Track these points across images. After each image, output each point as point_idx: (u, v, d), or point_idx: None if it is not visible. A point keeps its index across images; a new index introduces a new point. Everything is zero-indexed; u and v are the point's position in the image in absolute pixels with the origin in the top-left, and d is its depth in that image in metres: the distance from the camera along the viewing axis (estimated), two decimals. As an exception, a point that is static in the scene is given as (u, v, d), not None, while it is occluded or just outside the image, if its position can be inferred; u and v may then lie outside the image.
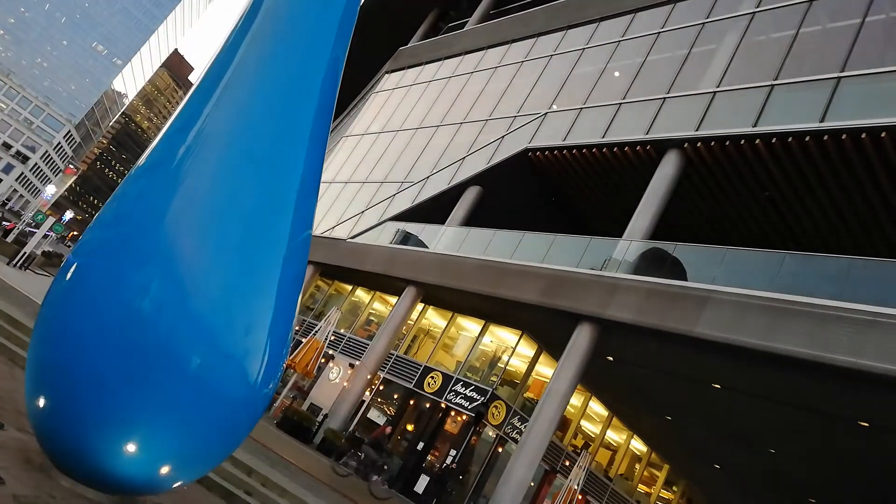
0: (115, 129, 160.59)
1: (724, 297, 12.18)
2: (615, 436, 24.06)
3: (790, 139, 13.72)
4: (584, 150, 18.31)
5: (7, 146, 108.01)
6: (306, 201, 5.35)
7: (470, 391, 18.29)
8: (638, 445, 24.70)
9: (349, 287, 25.84)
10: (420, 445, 18.49)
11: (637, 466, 25.11)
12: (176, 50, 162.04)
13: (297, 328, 24.60)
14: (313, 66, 5.51)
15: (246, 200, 4.99)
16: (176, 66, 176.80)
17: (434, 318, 22.20)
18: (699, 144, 15.54)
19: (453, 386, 18.73)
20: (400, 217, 23.02)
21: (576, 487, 16.40)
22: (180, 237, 4.70)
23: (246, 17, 5.28)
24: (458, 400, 18.35)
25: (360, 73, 36.44)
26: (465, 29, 29.45)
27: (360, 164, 28.39)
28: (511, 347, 19.06)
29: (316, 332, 20.15)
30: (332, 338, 21.27)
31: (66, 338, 4.50)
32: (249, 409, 4.96)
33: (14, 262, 23.74)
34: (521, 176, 20.78)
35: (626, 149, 17.19)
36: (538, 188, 20.96)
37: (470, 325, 20.83)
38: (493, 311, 18.74)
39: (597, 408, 22.54)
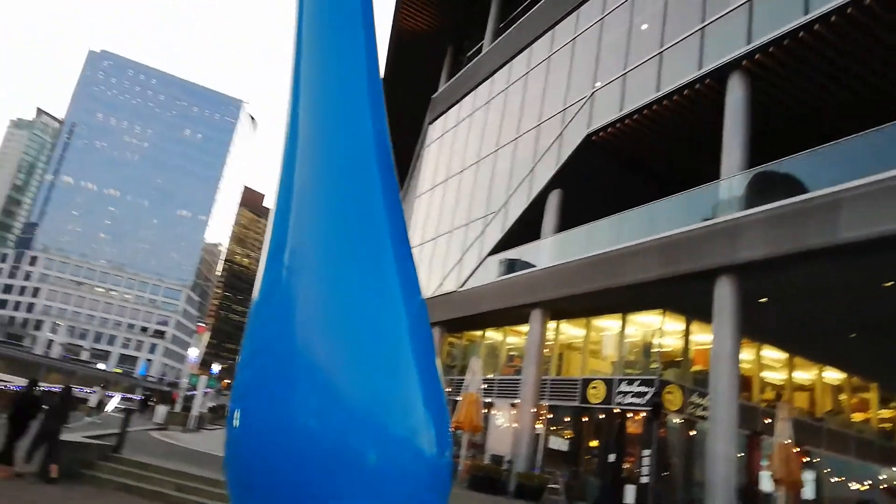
0: (223, 276, 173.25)
1: (854, 192, 11.24)
2: (805, 375, 22.34)
3: (849, 10, 12.70)
4: (644, 112, 17.75)
5: (144, 329, 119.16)
6: (407, 270, 5.50)
7: (637, 387, 17.68)
8: (833, 375, 22.77)
9: (479, 333, 26.00)
10: (611, 458, 17.98)
11: (842, 397, 23.09)
12: (245, 186, 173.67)
13: (448, 389, 24.93)
14: (361, 147, 5.71)
15: (357, 291, 5.20)
16: (250, 199, 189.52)
17: (571, 331, 21.85)
18: (757, 56, 14.67)
19: (618, 388, 18.19)
20: (497, 249, 23.11)
21: (786, 441, 15.29)
22: (314, 349, 4.95)
23: (289, 137, 5.61)
24: (628, 400, 17.77)
25: (405, 139, 37.54)
26: (483, 52, 29.75)
27: (440, 216, 28.92)
28: (658, 329, 18.36)
29: (467, 386, 20.36)
30: (484, 386, 21.37)
31: (252, 477, 4.82)
32: (437, 481, 5.06)
33: (188, 427, 25.83)
34: (594, 162, 20.37)
35: (685, 92, 16.50)
36: (615, 168, 20.42)
37: (609, 324, 20.30)
38: (624, 300, 18.20)
39: (772, 354, 21.10)
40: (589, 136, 19.57)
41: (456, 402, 21.56)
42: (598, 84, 20.17)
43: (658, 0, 18.58)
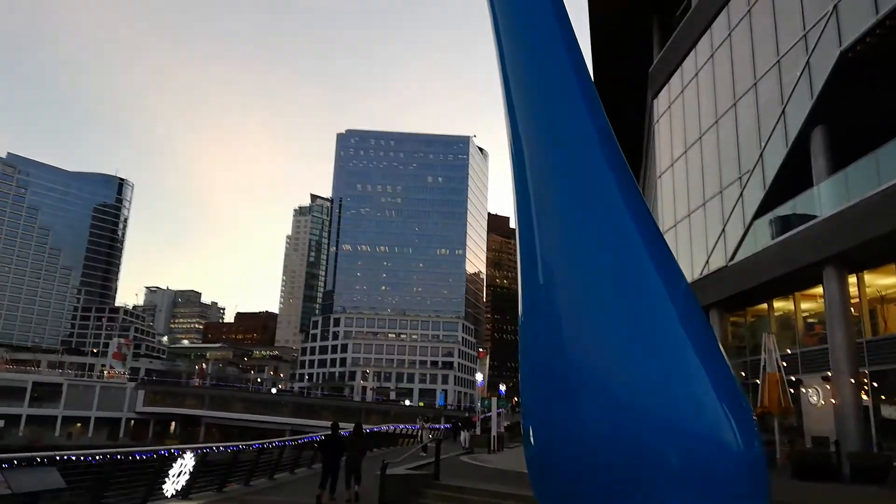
0: (489, 301, 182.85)
1: None
2: None
3: None
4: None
5: (434, 363, 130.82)
6: (663, 258, 5.17)
7: None
8: None
9: (764, 306, 23.37)
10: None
11: None
12: (490, 213, 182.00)
13: (742, 373, 22.77)
14: (586, 147, 5.60)
15: (617, 292, 5.02)
16: (496, 224, 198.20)
17: (880, 280, 18.49)
18: None
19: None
20: (762, 210, 20.68)
21: None
22: (588, 357, 4.87)
23: (514, 156, 5.65)
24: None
25: (630, 121, 35.93)
26: (693, 5, 27.37)
27: (689, 191, 26.90)
28: None
29: (764, 366, 18.39)
30: (783, 363, 19.03)
31: (557, 491, 4.83)
32: (750, 477, 4.56)
33: (491, 448, 27.37)
34: (859, 81, 17.23)
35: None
36: (886, 85, 16.99)
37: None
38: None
39: None
40: (844, 53, 16.67)
41: (755, 385, 19.57)
42: (841, -8, 17.13)
43: None
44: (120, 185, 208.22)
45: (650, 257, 4.60)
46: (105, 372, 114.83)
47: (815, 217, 18.33)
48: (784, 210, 20.05)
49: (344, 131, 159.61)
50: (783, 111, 19.67)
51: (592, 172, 4.92)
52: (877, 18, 15.51)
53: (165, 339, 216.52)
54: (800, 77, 18.75)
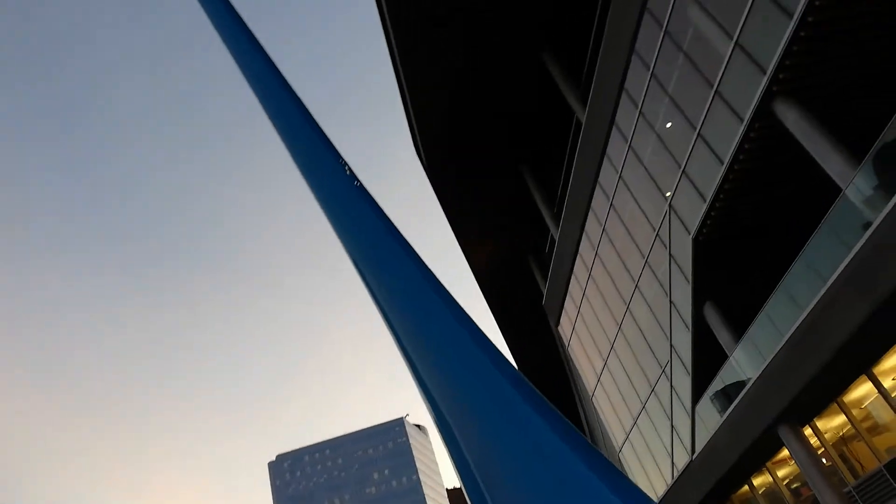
0: None
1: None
2: None
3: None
4: (725, 186, 17.06)
5: None
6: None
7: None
8: None
9: (746, 488, 22.35)
10: None
11: None
12: (447, 489, 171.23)
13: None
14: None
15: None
16: (458, 499, 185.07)
17: (834, 422, 18.50)
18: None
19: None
20: (697, 395, 20.94)
21: None
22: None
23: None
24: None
25: (547, 358, 37.15)
26: (557, 237, 30.48)
27: (626, 399, 27.07)
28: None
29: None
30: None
31: None
32: None
33: None
34: (717, 257, 19.19)
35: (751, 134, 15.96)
36: (744, 244, 19.11)
37: (881, 372, 17.14)
38: (872, 348, 15.56)
39: None
40: (695, 239, 18.80)
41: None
42: (668, 193, 19.96)
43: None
44: None
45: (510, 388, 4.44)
46: None
47: (745, 383, 18.74)
48: (717, 385, 20.43)
49: (274, 458, 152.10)
50: (671, 301, 21.19)
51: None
52: (706, 205, 17.92)
53: None
54: (670, 268, 20.67)
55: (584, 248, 27.54)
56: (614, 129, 22.47)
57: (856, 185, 13.01)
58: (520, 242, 35.96)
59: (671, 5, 17.49)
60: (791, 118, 14.09)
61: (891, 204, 11.66)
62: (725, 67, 15.58)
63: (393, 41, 25.42)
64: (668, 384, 22.65)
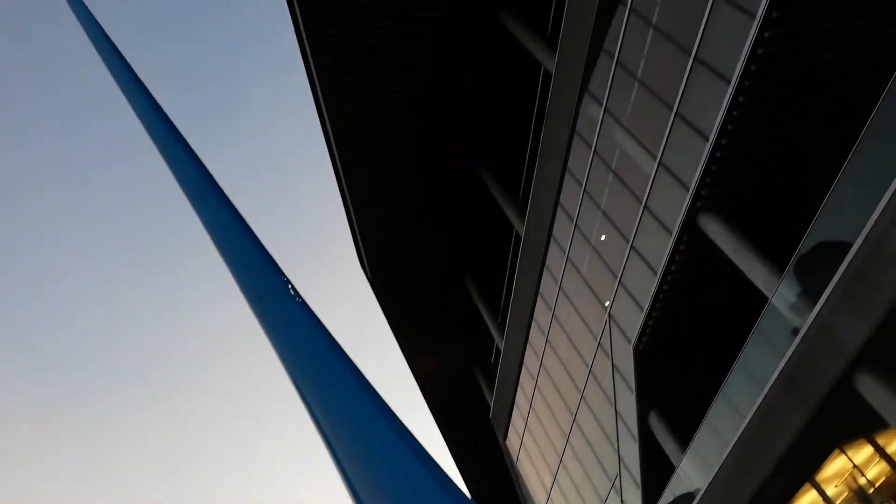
0: None
1: None
2: None
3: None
4: (660, 293, 17.62)
5: None
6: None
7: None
8: None
9: None
10: None
11: None
12: None
13: None
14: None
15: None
16: None
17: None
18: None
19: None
20: (649, 507, 20.43)
21: None
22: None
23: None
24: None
25: (493, 473, 35.88)
26: (502, 352, 30.41)
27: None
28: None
29: None
30: None
31: None
32: None
33: None
34: (658, 365, 19.49)
35: (681, 246, 16.71)
36: (684, 352, 19.51)
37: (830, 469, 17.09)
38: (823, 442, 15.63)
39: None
40: (636, 348, 19.09)
41: None
42: (607, 303, 20.45)
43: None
44: None
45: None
46: None
47: (695, 494, 18.43)
48: (668, 498, 20.00)
49: None
50: (617, 412, 21.11)
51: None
52: (644, 315, 18.38)
53: None
54: (614, 379, 20.77)
55: (530, 359, 27.52)
56: (552, 241, 23.25)
57: (781, 294, 13.66)
58: (465, 354, 35.74)
59: (598, 128, 18.78)
60: (716, 231, 14.94)
61: (815, 310, 12.24)
62: (651, 184, 16.59)
63: (337, 158, 26.17)
64: (619, 499, 22.07)
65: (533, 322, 26.32)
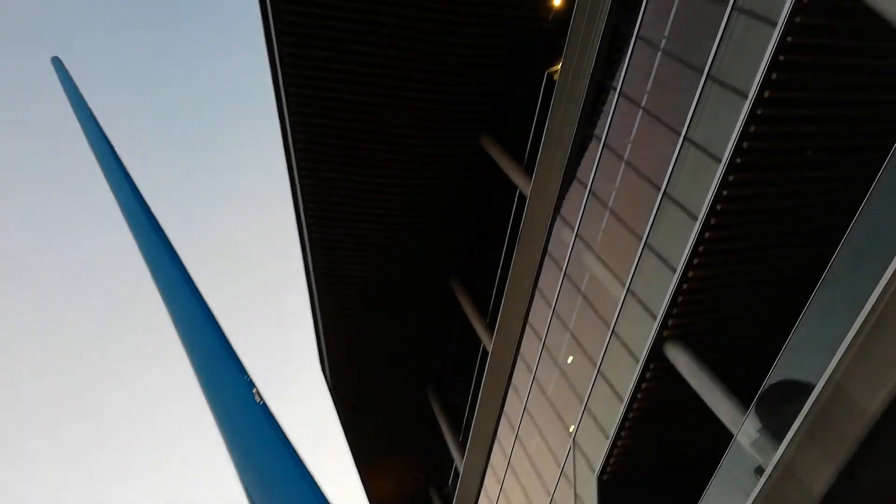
0: None
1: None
2: None
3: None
4: (626, 423, 17.32)
5: None
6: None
7: None
8: None
9: None
10: None
11: None
12: None
13: None
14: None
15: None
16: None
17: None
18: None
19: None
20: None
21: None
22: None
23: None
24: None
25: None
26: (463, 467, 29.19)
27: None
28: None
29: None
30: None
31: None
32: None
33: None
34: (623, 497, 18.84)
35: (647, 374, 16.62)
36: (655, 476, 18.93)
37: None
38: None
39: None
40: (599, 477, 18.51)
41: None
42: (572, 428, 20.02)
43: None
44: None
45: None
46: None
47: None
48: None
49: None
50: (578, 544, 20.07)
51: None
52: (609, 443, 17.99)
53: None
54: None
55: (490, 482, 26.40)
56: (519, 359, 23.06)
57: (746, 431, 13.54)
58: (422, 473, 34.20)
59: (569, 251, 19.26)
60: (682, 361, 15.01)
61: (779, 452, 12.10)
62: (620, 311, 16.81)
63: (312, 276, 26.17)
64: None
65: (495, 442, 25.52)
